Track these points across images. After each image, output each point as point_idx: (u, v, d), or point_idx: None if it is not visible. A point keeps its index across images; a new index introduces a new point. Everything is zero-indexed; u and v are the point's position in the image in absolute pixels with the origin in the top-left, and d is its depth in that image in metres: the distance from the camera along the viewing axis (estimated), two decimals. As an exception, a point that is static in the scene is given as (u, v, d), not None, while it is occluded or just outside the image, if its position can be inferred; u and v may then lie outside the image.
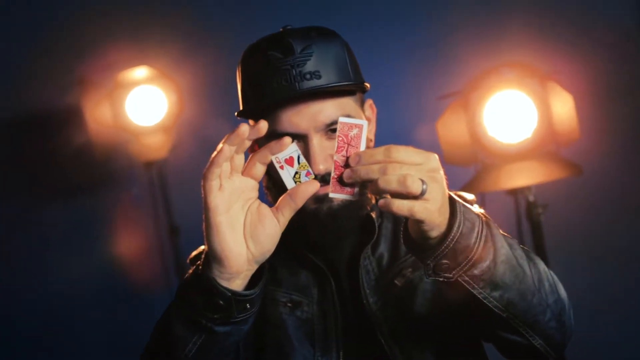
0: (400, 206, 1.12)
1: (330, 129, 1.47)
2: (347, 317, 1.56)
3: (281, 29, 1.52)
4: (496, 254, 1.22)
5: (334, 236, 1.53)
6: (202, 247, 1.64)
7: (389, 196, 1.14)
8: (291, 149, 1.22)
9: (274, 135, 1.44)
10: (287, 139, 1.22)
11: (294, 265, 1.61)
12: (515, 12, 3.25)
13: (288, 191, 1.23)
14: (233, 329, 1.28)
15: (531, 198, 2.80)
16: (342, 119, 1.21)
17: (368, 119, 1.61)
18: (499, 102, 2.66)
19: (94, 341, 3.61)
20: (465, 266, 1.20)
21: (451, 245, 1.18)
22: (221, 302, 1.23)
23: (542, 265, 1.38)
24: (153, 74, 3.44)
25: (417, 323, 1.53)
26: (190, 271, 1.31)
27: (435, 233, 1.18)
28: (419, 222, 1.15)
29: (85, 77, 3.60)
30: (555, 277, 1.41)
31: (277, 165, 1.23)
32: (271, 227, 1.24)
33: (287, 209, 1.24)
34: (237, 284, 1.25)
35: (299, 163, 1.22)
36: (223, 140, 1.19)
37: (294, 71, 1.44)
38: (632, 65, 3.27)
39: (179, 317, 1.30)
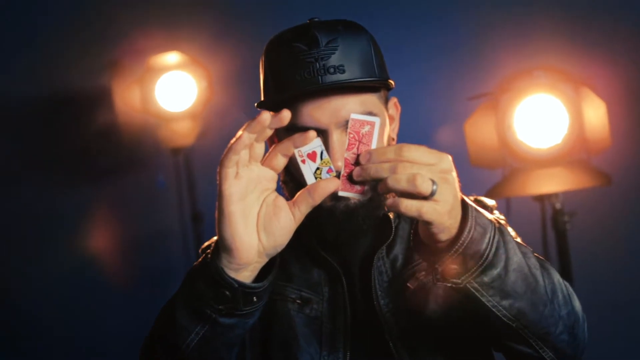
0: (409, 206, 1.10)
1: None
2: (356, 318, 1.54)
3: (308, 21, 1.49)
4: (508, 261, 1.19)
5: (350, 235, 1.50)
6: (215, 237, 1.61)
7: (395, 195, 1.12)
8: (315, 143, 1.19)
9: (293, 128, 1.41)
10: (312, 133, 1.20)
11: (306, 262, 1.59)
12: (548, 16, 3.20)
13: (307, 186, 1.21)
14: (238, 321, 1.27)
15: (558, 205, 2.76)
16: (353, 116, 1.18)
17: (391, 118, 1.59)
18: (530, 106, 2.61)
19: (112, 324, 3.60)
20: (474, 272, 1.17)
21: (461, 250, 1.15)
22: (227, 292, 1.21)
23: (556, 276, 1.34)
24: (184, 59, 3.44)
25: (428, 328, 1.50)
26: (200, 259, 1.29)
27: (444, 236, 1.15)
28: (428, 224, 1.13)
29: (117, 60, 3.61)
30: (570, 289, 1.37)
31: (298, 159, 1.20)
32: (286, 221, 1.22)
33: (304, 205, 1.21)
34: (245, 276, 1.23)
35: (321, 159, 1.19)
36: (243, 128, 1.16)
37: (317, 64, 1.41)
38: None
39: (183, 306, 1.28)
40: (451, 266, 1.17)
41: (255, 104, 1.55)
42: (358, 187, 1.18)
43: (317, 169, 1.19)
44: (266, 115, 1.15)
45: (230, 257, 1.21)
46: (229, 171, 1.17)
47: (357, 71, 1.44)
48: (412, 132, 1.70)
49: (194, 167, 3.59)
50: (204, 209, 3.58)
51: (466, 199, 1.19)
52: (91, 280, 3.56)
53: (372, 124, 1.17)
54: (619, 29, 3.19)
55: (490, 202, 1.64)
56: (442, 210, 1.11)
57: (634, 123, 3.07)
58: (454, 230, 1.15)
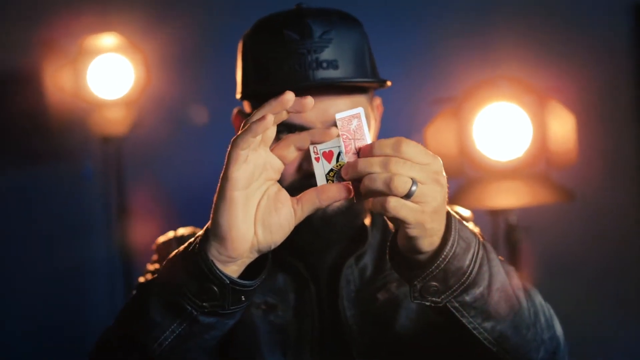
0: (380, 202, 0.99)
1: None
2: (323, 328, 1.43)
3: (296, 6, 1.40)
4: (491, 280, 1.09)
5: (324, 244, 1.42)
6: (171, 233, 1.53)
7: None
8: (334, 142, 1.06)
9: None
10: (335, 130, 1.04)
11: (270, 266, 1.44)
12: (514, 27, 3.18)
13: (317, 187, 1.07)
14: (218, 321, 1.12)
15: (513, 220, 2.65)
16: (338, 116, 1.05)
17: (375, 118, 1.50)
18: (493, 114, 2.49)
19: (28, 329, 3.38)
20: (456, 291, 1.07)
21: (442, 265, 1.05)
22: (215, 288, 1.07)
23: (538, 297, 1.27)
24: (120, 42, 3.22)
25: (396, 343, 1.41)
26: (182, 248, 1.13)
27: (426, 244, 1.04)
28: (407, 226, 1.00)
29: (48, 39, 3.40)
30: (552, 312, 1.30)
31: (313, 156, 1.07)
32: (286, 217, 1.08)
33: (308, 205, 1.07)
34: (233, 270, 1.08)
35: (337, 160, 1.06)
36: (264, 107, 1.04)
37: (309, 57, 1.33)
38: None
39: (158, 299, 1.12)
40: (431, 283, 1.06)
41: (238, 95, 1.44)
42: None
43: (331, 170, 1.06)
44: (290, 96, 1.03)
45: (221, 248, 1.06)
46: (241, 153, 1.03)
47: (350, 69, 1.36)
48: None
49: (125, 158, 3.39)
50: (132, 203, 3.38)
51: (450, 210, 1.07)
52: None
53: (357, 116, 1.05)
54: (586, 42, 3.17)
55: (466, 212, 1.55)
56: (423, 210, 1.00)
57: (595, 137, 2.98)
58: (436, 239, 1.04)
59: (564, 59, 3.11)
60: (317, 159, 1.06)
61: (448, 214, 1.06)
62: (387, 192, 0.97)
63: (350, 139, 1.04)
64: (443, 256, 1.03)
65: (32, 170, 3.50)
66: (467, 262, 1.05)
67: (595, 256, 3.13)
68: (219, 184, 1.05)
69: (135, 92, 3.24)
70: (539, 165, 2.55)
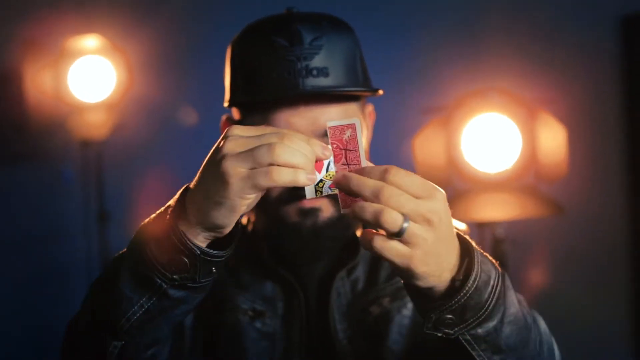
0: (367, 238, 0.93)
1: None
2: (312, 339, 1.39)
3: (285, 11, 1.35)
4: (505, 312, 1.02)
5: (313, 254, 1.38)
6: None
7: None
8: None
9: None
10: (326, 147, 0.99)
11: (259, 273, 1.44)
12: (507, 38, 3.17)
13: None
14: (187, 295, 1.07)
15: (500, 234, 2.61)
16: (330, 124, 1.01)
17: (367, 126, 1.46)
18: (482, 125, 2.45)
19: (8, 335, 3.30)
20: (471, 325, 1.00)
21: (462, 300, 0.98)
22: (186, 260, 1.02)
23: (543, 324, 1.22)
24: (102, 44, 3.16)
25: (389, 358, 1.37)
26: (152, 219, 1.07)
27: (422, 284, 0.97)
28: (394, 267, 0.95)
29: (30, 39, 3.35)
30: (553, 339, 1.23)
31: None
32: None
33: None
34: (201, 240, 1.03)
35: (327, 171, 1.01)
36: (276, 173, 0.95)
37: (299, 64, 1.30)
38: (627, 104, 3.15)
39: (128, 273, 1.08)
40: (446, 316, 0.99)
41: (226, 104, 1.40)
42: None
43: (321, 181, 1.01)
44: (329, 153, 0.99)
45: (208, 234, 1.02)
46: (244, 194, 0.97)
47: (341, 76, 1.32)
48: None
49: (106, 162, 3.33)
50: (112, 208, 3.30)
51: (468, 239, 1.01)
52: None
53: (352, 127, 1.00)
54: (576, 54, 3.15)
55: (461, 225, 1.48)
56: (412, 254, 0.93)
57: (585, 150, 2.96)
58: (434, 280, 0.97)
59: (554, 72, 3.10)
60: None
61: (468, 245, 1.01)
62: (374, 225, 0.92)
63: (341, 149, 1.00)
64: (464, 292, 0.97)
65: (10, 171, 3.44)
66: (486, 297, 0.99)
67: (583, 270, 3.10)
68: (218, 187, 0.97)
69: (117, 95, 3.19)
70: (528, 177, 2.51)
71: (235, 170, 0.93)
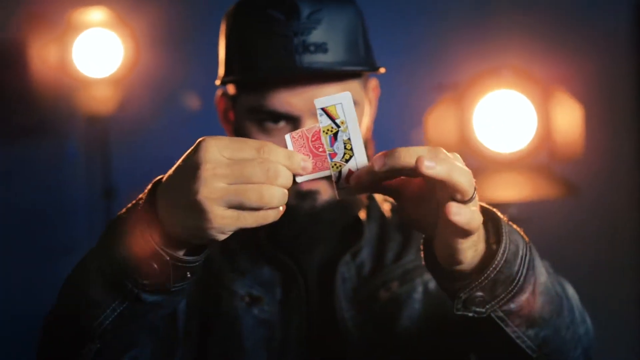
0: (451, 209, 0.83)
1: None
2: (313, 327, 1.33)
3: None
4: (536, 283, 0.96)
5: (310, 239, 1.32)
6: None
7: None
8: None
9: (260, 110, 1.26)
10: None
11: (256, 257, 1.37)
12: (522, 15, 3.10)
13: None
14: (165, 299, 0.98)
15: (513, 214, 2.56)
16: (317, 103, 0.91)
17: (370, 101, 1.39)
18: (496, 102, 2.40)
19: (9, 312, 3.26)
20: (502, 300, 0.94)
21: (492, 275, 0.91)
22: (155, 265, 0.92)
23: (570, 289, 1.15)
24: (108, 16, 3.11)
25: (399, 345, 1.32)
26: (124, 210, 0.98)
27: (469, 254, 0.89)
28: (463, 235, 0.86)
29: (34, 12, 3.29)
30: (580, 302, 1.17)
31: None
32: None
33: None
34: (173, 243, 0.93)
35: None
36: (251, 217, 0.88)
37: (296, 39, 1.23)
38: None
39: (97, 275, 0.98)
40: (476, 294, 0.93)
41: (217, 81, 1.34)
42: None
43: None
44: (309, 166, 0.90)
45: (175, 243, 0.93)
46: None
47: (341, 52, 1.26)
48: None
49: (111, 137, 3.29)
50: (117, 184, 3.27)
51: (494, 210, 0.96)
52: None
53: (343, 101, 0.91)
54: (592, 32, 3.08)
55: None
56: (474, 218, 0.85)
57: (600, 130, 2.91)
58: (481, 247, 0.91)
59: (570, 49, 3.03)
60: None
61: (494, 215, 0.95)
62: (447, 184, 0.83)
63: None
64: (494, 265, 0.91)
65: (14, 146, 3.39)
66: (516, 269, 0.93)
67: (597, 252, 3.06)
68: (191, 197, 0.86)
69: (123, 69, 3.13)
70: (542, 157, 2.47)
71: (217, 209, 0.84)
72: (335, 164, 0.90)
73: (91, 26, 3.08)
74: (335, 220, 1.33)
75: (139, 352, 1.09)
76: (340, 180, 0.91)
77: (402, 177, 0.91)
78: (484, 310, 0.93)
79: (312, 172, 0.90)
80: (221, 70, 1.36)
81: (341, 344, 1.31)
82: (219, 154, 0.85)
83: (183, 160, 0.87)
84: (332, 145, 0.90)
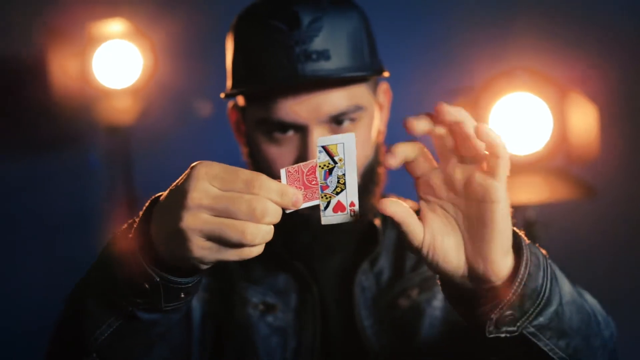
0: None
1: (337, 120, 1.26)
2: (329, 335, 1.34)
3: None
4: (561, 294, 0.96)
5: (324, 248, 1.33)
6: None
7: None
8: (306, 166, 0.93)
9: (267, 122, 1.26)
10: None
11: (271, 265, 1.38)
12: (536, 16, 3.06)
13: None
14: (161, 317, 0.98)
15: (531, 217, 2.56)
16: (321, 142, 0.91)
17: (380, 106, 1.40)
18: (511, 105, 2.40)
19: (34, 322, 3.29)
20: (532, 315, 0.92)
21: (519, 290, 0.90)
22: (146, 285, 0.92)
23: (589, 296, 1.15)
24: (127, 28, 3.13)
25: (419, 352, 1.31)
26: (123, 228, 0.99)
27: (499, 266, 0.89)
28: (492, 235, 0.87)
29: (54, 25, 3.31)
30: (602, 309, 1.17)
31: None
32: None
33: None
34: (167, 264, 0.92)
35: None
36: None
37: (297, 48, 1.23)
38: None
39: (95, 290, 0.99)
40: (506, 313, 0.91)
41: (223, 94, 1.35)
42: (347, 214, 0.92)
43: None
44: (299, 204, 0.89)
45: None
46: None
47: (344, 59, 1.26)
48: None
49: (133, 148, 3.31)
50: (140, 194, 3.29)
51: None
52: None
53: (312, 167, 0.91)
54: (608, 33, 3.05)
55: None
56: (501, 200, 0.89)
57: (617, 131, 2.89)
58: (510, 260, 0.90)
59: (585, 50, 3.00)
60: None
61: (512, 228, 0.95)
62: (496, 156, 0.86)
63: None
64: (519, 279, 0.90)
65: (37, 158, 3.42)
66: (540, 281, 0.92)
67: (615, 253, 3.02)
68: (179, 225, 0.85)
69: (142, 80, 3.15)
70: (559, 159, 2.46)
71: (199, 240, 0.84)
72: (325, 195, 0.91)
73: (110, 38, 3.10)
74: (351, 227, 1.29)
75: None
76: (328, 209, 0.91)
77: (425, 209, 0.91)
78: (515, 328, 0.92)
79: (302, 202, 0.89)
80: (229, 83, 1.36)
81: (359, 352, 1.31)
82: (209, 183, 0.84)
83: (175, 185, 0.87)
84: (325, 179, 0.90)
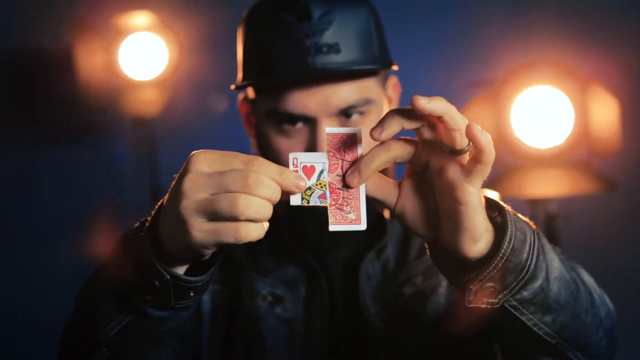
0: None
1: (346, 113, 1.26)
2: (337, 325, 1.35)
3: None
4: (549, 269, 0.96)
5: (333, 240, 1.34)
6: None
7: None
8: (318, 157, 0.92)
9: (276, 113, 1.27)
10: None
11: (280, 257, 1.39)
12: (558, 8, 3.04)
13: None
14: (171, 314, 0.98)
15: (553, 210, 2.55)
16: (328, 130, 0.92)
17: (389, 99, 1.40)
18: (533, 98, 2.39)
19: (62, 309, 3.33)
20: (514, 289, 0.93)
21: (500, 264, 0.90)
22: (157, 283, 0.92)
23: (586, 274, 1.15)
24: (153, 21, 3.16)
25: (425, 339, 1.32)
26: (129, 232, 0.98)
27: (477, 239, 0.89)
28: (462, 207, 0.86)
29: (81, 20, 3.35)
30: (601, 288, 1.17)
31: (291, 168, 0.91)
32: None
33: None
34: (177, 262, 0.93)
35: (318, 179, 0.91)
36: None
37: (307, 41, 1.24)
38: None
39: (106, 287, 1.00)
40: (487, 285, 0.91)
41: (233, 86, 1.36)
42: (353, 216, 0.91)
43: (309, 188, 0.91)
44: (303, 184, 0.88)
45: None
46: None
47: (354, 52, 1.26)
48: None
49: (158, 140, 3.33)
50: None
51: (496, 199, 0.95)
52: (30, 264, 3.32)
53: (353, 136, 0.91)
54: (630, 25, 3.01)
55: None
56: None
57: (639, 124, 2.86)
58: (489, 236, 0.90)
59: (607, 43, 2.98)
60: (296, 172, 0.91)
61: (495, 203, 0.94)
62: (446, 121, 0.83)
63: (338, 159, 0.91)
64: (501, 254, 0.90)
65: (65, 148, 3.46)
66: (525, 256, 0.92)
67: (637, 246, 3.00)
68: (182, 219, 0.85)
69: (168, 72, 3.18)
70: (580, 153, 2.45)
71: (196, 221, 0.83)
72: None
73: (136, 30, 3.13)
74: None
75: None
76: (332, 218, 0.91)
77: (398, 181, 0.92)
78: (496, 300, 0.93)
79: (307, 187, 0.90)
80: (239, 75, 1.38)
81: (366, 340, 1.32)
82: (207, 167, 0.84)
83: (177, 175, 0.87)
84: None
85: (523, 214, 0.99)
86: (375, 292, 1.34)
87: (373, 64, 1.30)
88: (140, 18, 3.15)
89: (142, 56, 3.14)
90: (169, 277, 0.91)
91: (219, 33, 3.25)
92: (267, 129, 1.33)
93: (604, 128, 2.38)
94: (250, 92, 1.39)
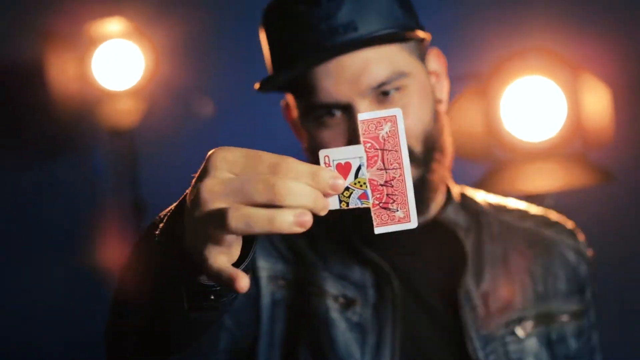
0: None
1: (382, 91, 1.18)
2: (416, 339, 1.28)
3: None
4: None
5: (403, 242, 1.22)
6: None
7: None
8: (352, 151, 0.77)
9: (313, 107, 1.21)
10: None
11: (349, 258, 1.32)
12: None
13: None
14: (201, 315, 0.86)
15: (550, 204, 2.48)
16: (361, 117, 0.78)
17: (434, 74, 1.31)
18: (523, 90, 2.32)
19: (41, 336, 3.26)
20: None
21: None
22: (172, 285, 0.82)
23: None
24: (127, 27, 3.07)
25: None
26: (148, 232, 0.87)
27: None
28: None
29: (51, 30, 3.26)
30: None
31: (323, 166, 0.78)
32: None
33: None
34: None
35: (356, 176, 0.77)
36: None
37: (322, 25, 1.18)
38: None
39: (130, 282, 0.94)
40: None
41: (257, 85, 1.28)
42: (401, 214, 0.78)
43: (347, 189, 0.77)
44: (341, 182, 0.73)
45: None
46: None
47: (374, 23, 1.19)
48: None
49: (137, 150, 3.26)
50: (147, 196, 3.25)
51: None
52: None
53: (391, 119, 0.77)
54: (622, 11, 2.95)
55: (479, 195, 1.43)
56: None
57: (634, 113, 2.81)
58: None
59: (599, 29, 2.91)
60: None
61: None
62: None
63: (377, 149, 0.78)
64: None
65: (41, 164, 3.39)
66: None
67: (636, 237, 2.95)
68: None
69: (144, 80, 3.10)
70: (574, 145, 2.39)
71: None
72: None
73: (109, 38, 3.05)
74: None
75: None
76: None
77: None
78: None
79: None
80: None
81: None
82: (227, 170, 0.72)
83: (196, 176, 0.76)
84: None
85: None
86: (480, 324, 1.29)
87: (395, 29, 1.23)
88: (113, 25, 3.07)
89: (117, 65, 3.05)
90: (184, 280, 0.80)
91: (195, 38, 3.19)
92: (309, 126, 1.27)
93: (598, 118, 2.32)
94: (289, 98, 1.34)
